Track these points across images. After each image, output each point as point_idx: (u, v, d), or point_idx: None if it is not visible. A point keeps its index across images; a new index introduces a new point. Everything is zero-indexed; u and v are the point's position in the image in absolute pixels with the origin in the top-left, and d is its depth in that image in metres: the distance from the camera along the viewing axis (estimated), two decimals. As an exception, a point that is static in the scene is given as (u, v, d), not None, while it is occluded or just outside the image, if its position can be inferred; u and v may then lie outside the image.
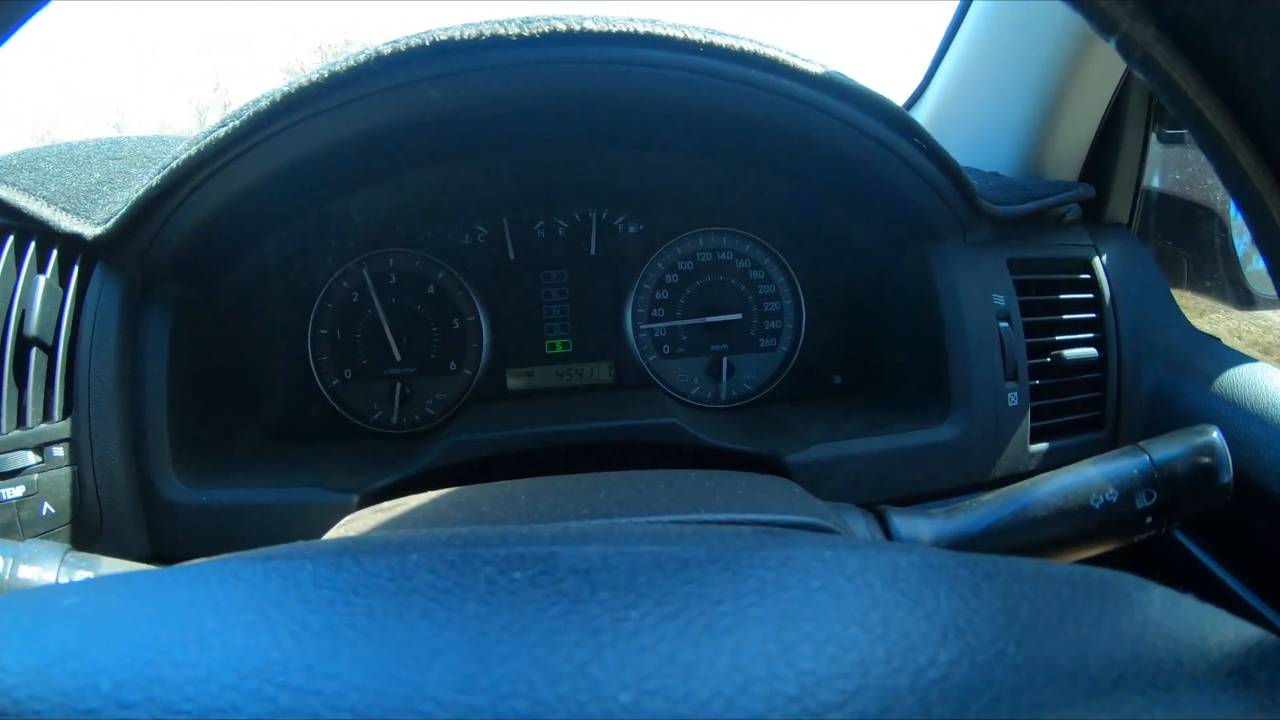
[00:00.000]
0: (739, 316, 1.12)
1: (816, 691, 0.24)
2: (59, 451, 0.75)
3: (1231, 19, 0.28)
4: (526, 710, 0.24)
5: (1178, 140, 1.07)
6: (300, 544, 0.38)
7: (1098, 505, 0.63)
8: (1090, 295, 0.99)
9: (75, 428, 0.76)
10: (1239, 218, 1.03)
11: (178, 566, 0.35)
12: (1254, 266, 1.03)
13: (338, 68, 0.71)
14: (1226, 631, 0.29)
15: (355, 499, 0.80)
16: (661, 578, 0.31)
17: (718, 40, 0.73)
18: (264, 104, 0.73)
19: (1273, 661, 0.27)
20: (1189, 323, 0.99)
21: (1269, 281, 1.02)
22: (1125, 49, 0.31)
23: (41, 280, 0.76)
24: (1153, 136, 1.06)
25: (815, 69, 0.77)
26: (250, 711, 0.24)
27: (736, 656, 0.26)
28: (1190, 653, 0.27)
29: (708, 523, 0.56)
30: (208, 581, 0.32)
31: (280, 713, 0.24)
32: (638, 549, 0.33)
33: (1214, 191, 1.07)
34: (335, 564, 0.32)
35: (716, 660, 0.26)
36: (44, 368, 0.75)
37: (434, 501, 0.62)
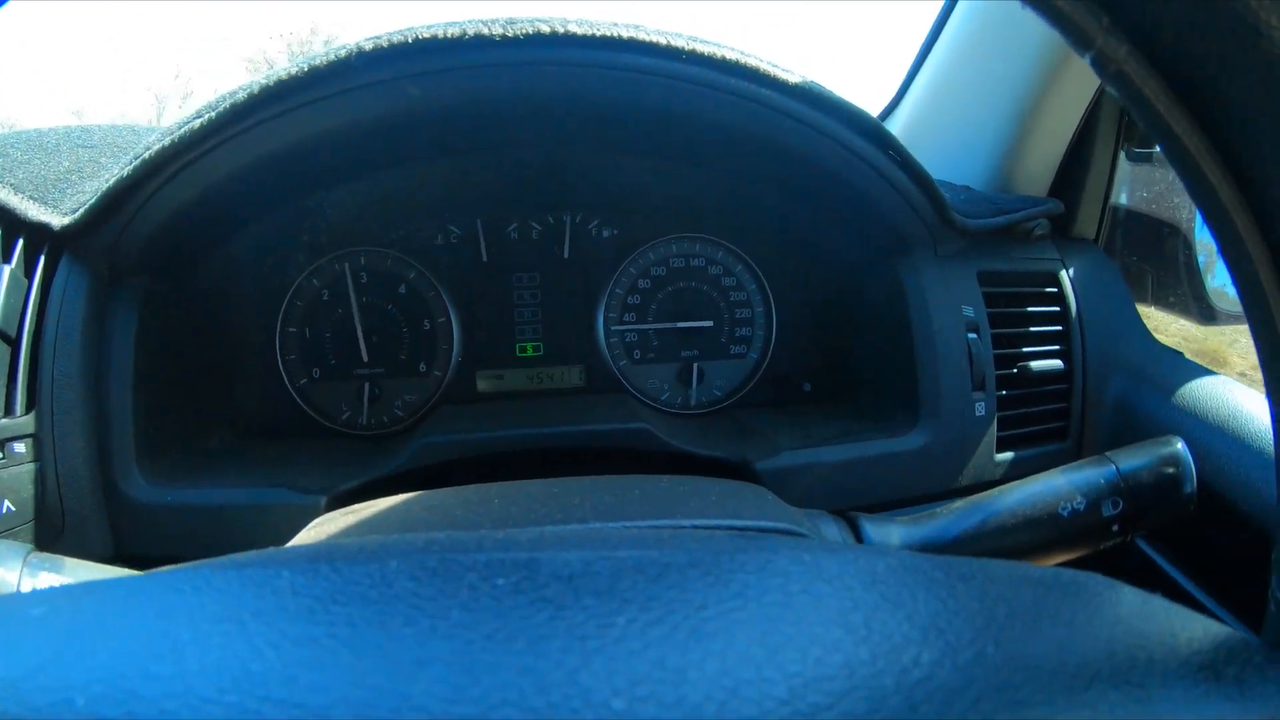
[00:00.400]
0: (710, 324, 1.13)
1: (805, 693, 0.25)
2: (20, 448, 0.73)
3: (1203, 38, 0.29)
4: (518, 718, 0.23)
5: (1146, 159, 1.09)
6: (273, 550, 0.37)
7: (1065, 513, 0.64)
8: (1057, 308, 1.01)
9: (38, 423, 0.74)
10: (1203, 235, 1.05)
11: (148, 574, 0.34)
12: (1214, 283, 1.06)
13: (318, 62, 0.70)
14: (1195, 629, 0.29)
15: (323, 501, 0.78)
16: (644, 583, 0.31)
17: (700, 48, 0.74)
18: (241, 96, 0.72)
19: (1240, 657, 0.28)
20: (1152, 336, 1.02)
21: (1229, 297, 1.05)
22: (1099, 64, 0.31)
23: (6, 270, 0.74)
24: (1121, 154, 1.08)
25: (794, 79, 0.78)
26: None
27: (725, 660, 0.26)
28: (1161, 650, 0.28)
29: (682, 528, 0.56)
30: (180, 590, 0.31)
31: None
32: (618, 554, 0.33)
33: (1179, 210, 1.09)
34: (312, 570, 0.32)
35: (705, 664, 0.26)
36: (6, 361, 0.73)
37: (406, 505, 0.61)
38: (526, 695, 0.24)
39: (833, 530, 0.64)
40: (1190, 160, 0.31)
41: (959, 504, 0.68)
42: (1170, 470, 0.64)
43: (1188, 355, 0.97)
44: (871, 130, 0.83)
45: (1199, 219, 1.06)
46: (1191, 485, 0.64)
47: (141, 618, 0.29)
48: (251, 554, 0.36)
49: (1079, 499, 0.65)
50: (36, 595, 0.33)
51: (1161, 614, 0.30)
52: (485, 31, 0.70)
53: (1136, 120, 0.32)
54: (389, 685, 0.25)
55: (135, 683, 0.25)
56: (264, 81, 0.72)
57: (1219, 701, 0.26)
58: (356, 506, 0.64)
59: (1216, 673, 0.27)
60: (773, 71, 0.77)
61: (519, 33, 0.70)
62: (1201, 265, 1.06)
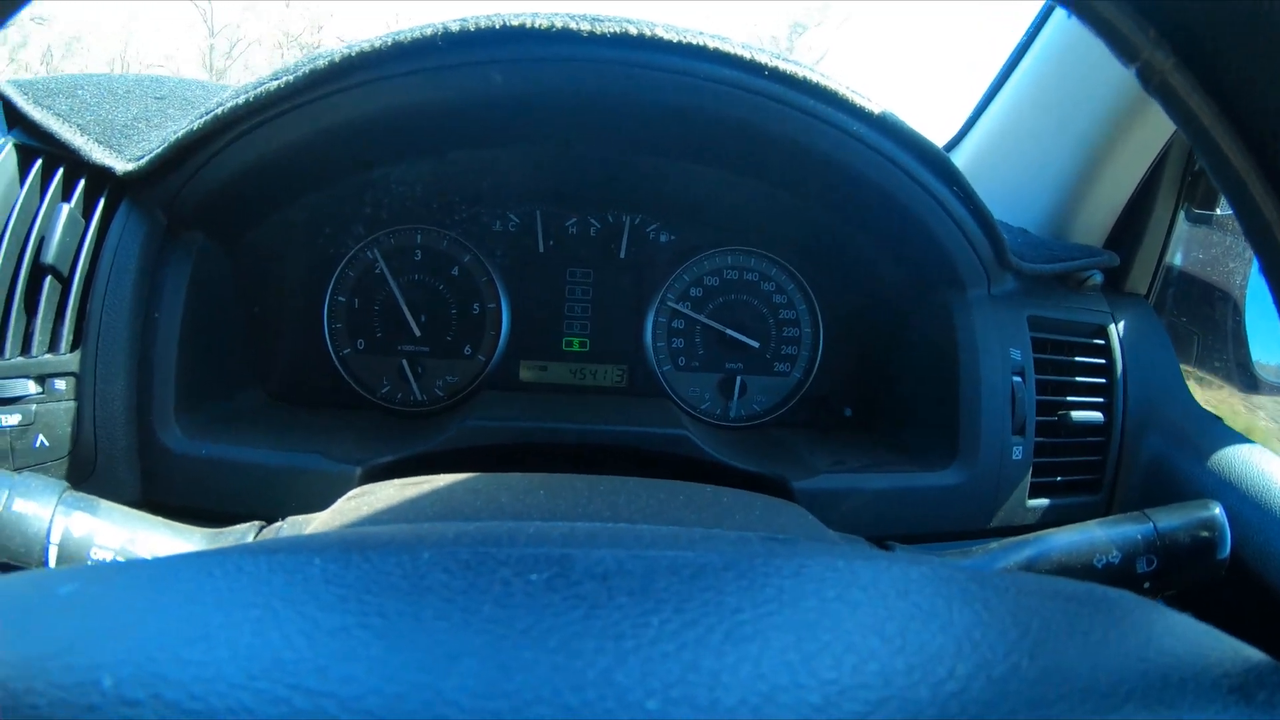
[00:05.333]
0: (757, 345, 1.12)
1: (841, 701, 0.25)
2: (61, 385, 0.73)
3: (1248, 53, 0.29)
4: (551, 716, 0.23)
5: (1205, 220, 1.08)
6: (304, 536, 0.37)
7: (1100, 565, 0.65)
8: (1103, 361, 1.00)
9: (81, 363, 0.74)
10: (1254, 302, 1.05)
11: (178, 556, 0.34)
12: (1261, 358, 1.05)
13: (403, 38, 0.71)
14: (1225, 650, 0.30)
15: (357, 472, 0.79)
16: (678, 584, 0.31)
17: (783, 66, 0.74)
18: (321, 63, 0.72)
19: (1270, 681, 0.28)
20: (1194, 399, 1.01)
21: (1272, 370, 1.04)
22: (1145, 76, 0.31)
23: (65, 209, 0.74)
24: (1181, 213, 1.08)
25: (872, 106, 0.77)
26: (262, 713, 0.23)
27: (760, 665, 0.26)
28: (1192, 670, 0.28)
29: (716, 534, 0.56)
30: (211, 574, 0.31)
31: (294, 715, 0.23)
32: (651, 553, 0.33)
33: (1233, 275, 1.09)
34: (344, 559, 0.32)
35: (740, 668, 0.26)
36: (56, 298, 0.74)
37: (451, 487, 0.61)
38: (560, 693, 0.24)
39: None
40: (1233, 173, 0.31)
41: (996, 544, 0.67)
42: (1206, 534, 0.65)
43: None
44: (940, 165, 0.83)
45: (1251, 285, 1.06)
46: (1226, 550, 0.64)
47: (171, 600, 0.29)
48: (282, 539, 0.36)
49: (1115, 553, 0.65)
50: (65, 573, 0.32)
51: (1192, 634, 0.31)
52: (573, 26, 0.70)
53: (1182, 133, 0.32)
54: (421, 679, 0.25)
55: (164, 665, 0.25)
56: (346, 50, 0.72)
57: None
58: (397, 482, 0.64)
59: (1247, 695, 0.27)
60: (852, 97, 0.77)
61: (606, 31, 0.70)
62: (1250, 335, 1.05)
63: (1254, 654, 0.30)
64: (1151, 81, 0.31)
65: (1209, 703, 0.27)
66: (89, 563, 0.53)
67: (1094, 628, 0.30)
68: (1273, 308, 0.33)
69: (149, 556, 0.54)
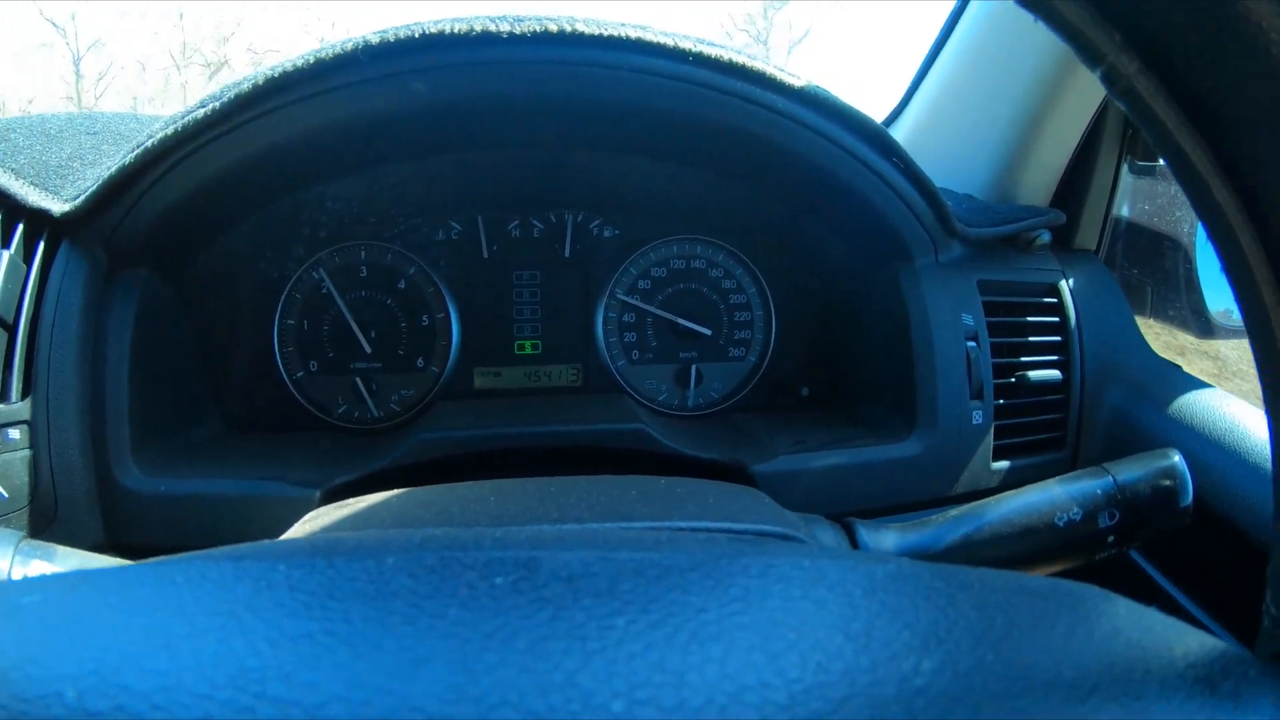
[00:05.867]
0: (709, 333, 1.13)
1: (806, 700, 0.25)
2: (15, 434, 0.73)
3: (1213, 56, 0.29)
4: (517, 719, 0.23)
5: (1149, 172, 1.09)
6: (269, 543, 0.37)
7: (1061, 523, 0.64)
8: (1056, 319, 1.01)
9: (34, 410, 0.74)
10: (1204, 250, 1.06)
11: (141, 564, 0.33)
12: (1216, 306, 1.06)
13: (324, 55, 0.70)
14: (1190, 642, 0.30)
15: (317, 494, 0.78)
16: (644, 585, 0.31)
17: (706, 50, 0.74)
18: (245, 87, 0.72)
19: (1235, 671, 0.28)
20: (1150, 349, 1.02)
21: (1230, 315, 1.05)
22: (1110, 80, 0.31)
23: (4, 256, 0.73)
24: (1124, 167, 1.08)
25: (798, 83, 0.77)
26: None
27: (725, 665, 0.26)
28: (1158, 662, 0.28)
29: (680, 530, 0.56)
30: (174, 581, 0.31)
31: None
32: (618, 555, 0.33)
33: (1181, 223, 1.10)
34: (309, 565, 0.32)
35: (706, 669, 0.26)
36: (3, 347, 0.73)
37: (400, 500, 0.61)
38: (526, 696, 0.24)
39: (828, 535, 0.64)
40: (1197, 178, 0.31)
41: (955, 511, 0.68)
42: (1167, 483, 0.64)
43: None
44: (875, 136, 0.83)
45: (1200, 233, 1.06)
46: (1188, 498, 0.64)
47: (134, 609, 0.29)
48: (245, 546, 0.36)
49: (1075, 509, 0.65)
50: (27, 583, 0.32)
51: (1158, 627, 0.31)
52: (493, 28, 0.69)
53: (1146, 136, 0.32)
54: (386, 684, 0.25)
55: (127, 676, 0.25)
56: (269, 73, 0.72)
57: (1215, 714, 0.26)
58: (350, 501, 0.63)
59: (1212, 685, 0.27)
60: (777, 75, 0.77)
61: (526, 30, 0.70)
62: (1203, 280, 1.06)
63: (1218, 645, 0.30)
64: (1117, 85, 0.31)
65: (1175, 692, 0.27)
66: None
67: (1059, 621, 0.30)
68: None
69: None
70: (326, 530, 0.58)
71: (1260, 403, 0.33)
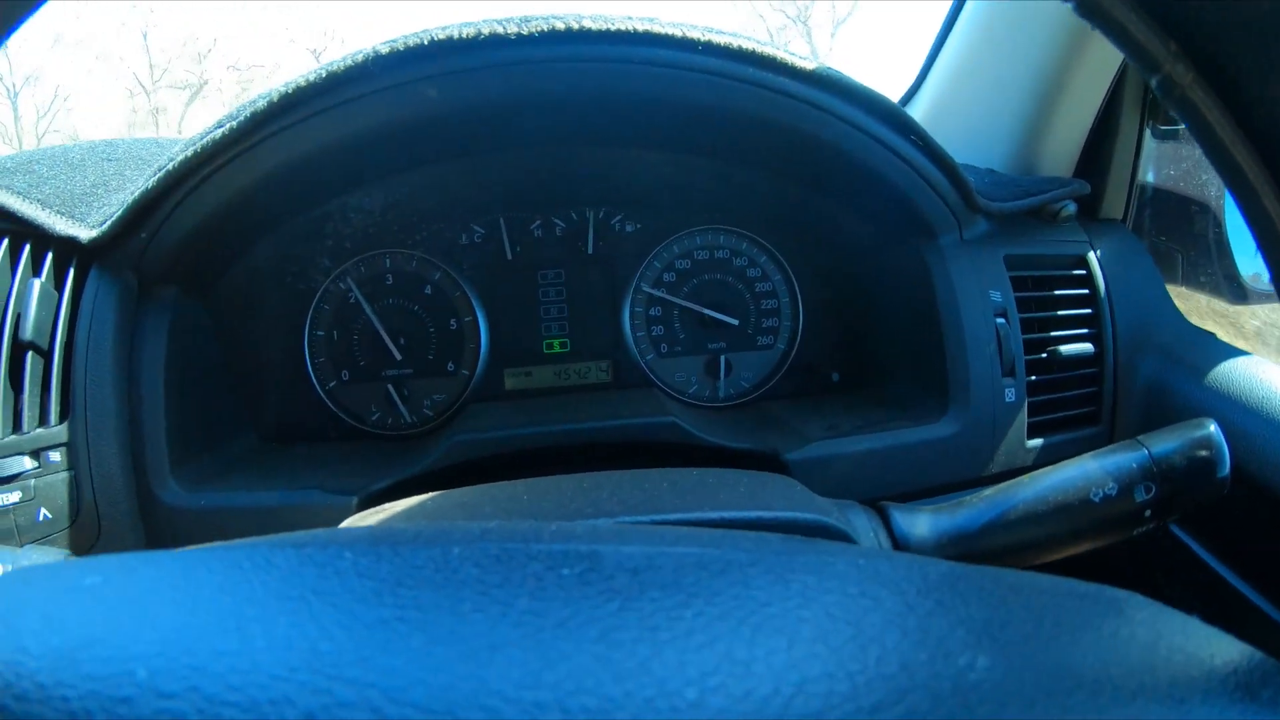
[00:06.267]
0: (736, 322, 1.12)
1: (869, 690, 0.25)
2: (56, 456, 0.74)
3: (1266, 68, 0.29)
4: (595, 706, 0.24)
5: (1172, 136, 1.07)
6: (329, 531, 0.37)
7: (1097, 499, 0.63)
8: (1086, 291, 0.99)
9: (72, 432, 0.75)
10: (1233, 212, 1.03)
11: (203, 547, 0.33)
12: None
13: (335, 68, 0.71)
14: (1231, 652, 0.30)
15: (355, 501, 0.79)
16: (708, 578, 0.31)
17: (715, 39, 0.74)
18: (261, 105, 0.73)
19: (1275, 680, 0.28)
20: (1184, 317, 1.00)
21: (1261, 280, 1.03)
22: (1165, 89, 0.31)
23: (36, 284, 0.75)
24: (1147, 132, 1.07)
25: (810, 65, 0.77)
26: (305, 704, 0.23)
27: (790, 655, 0.26)
28: (1200, 668, 0.28)
29: (714, 521, 0.56)
30: (240, 566, 0.31)
31: (338, 706, 0.23)
32: (679, 549, 0.33)
33: (1208, 186, 1.08)
34: (374, 553, 0.32)
35: (772, 659, 0.26)
36: (40, 372, 0.75)
37: (437, 502, 0.62)
38: (603, 683, 0.25)
39: (862, 520, 0.64)
40: (1249, 186, 0.31)
41: (988, 492, 0.67)
42: (1204, 453, 0.63)
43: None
44: (891, 114, 0.82)
45: (1229, 197, 1.04)
46: (1225, 468, 0.63)
47: (199, 592, 0.29)
48: (303, 534, 0.36)
49: (1111, 484, 0.64)
50: (89, 564, 0.31)
51: (1199, 635, 0.31)
52: (501, 30, 0.70)
53: (1199, 145, 0.32)
54: (465, 669, 0.25)
55: (199, 657, 0.25)
56: (283, 89, 0.72)
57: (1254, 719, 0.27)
58: (388, 505, 0.64)
59: (1253, 693, 0.28)
60: (788, 59, 0.76)
61: (534, 30, 0.70)
62: (1234, 243, 1.04)
63: (1259, 655, 0.30)
64: (1172, 94, 0.31)
65: (1215, 699, 0.27)
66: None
67: (1104, 625, 0.30)
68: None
69: None
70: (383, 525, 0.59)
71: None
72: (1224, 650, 0.30)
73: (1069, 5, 0.32)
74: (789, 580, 0.31)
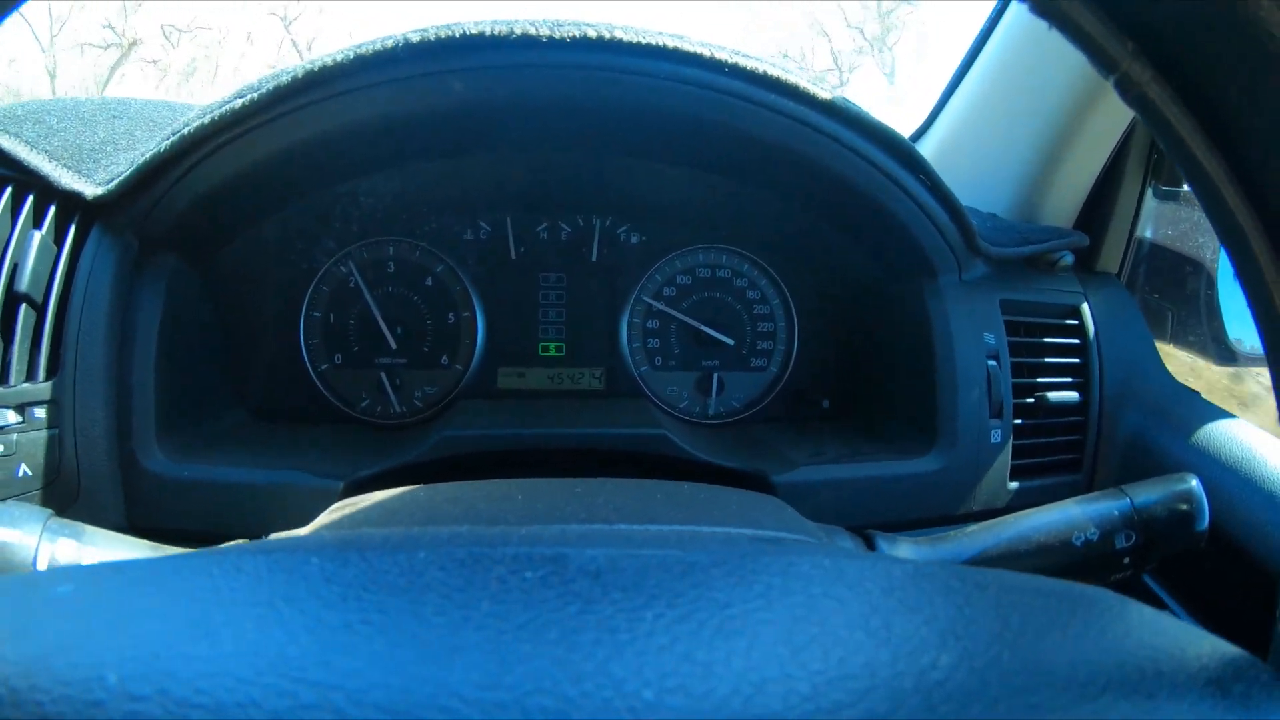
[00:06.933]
0: (732, 342, 1.13)
1: (829, 690, 0.25)
2: (40, 413, 0.73)
3: (1225, 65, 0.29)
4: (553, 707, 0.24)
5: (1173, 196, 1.09)
6: (296, 536, 0.38)
7: (1079, 543, 0.65)
8: (1077, 341, 1.01)
9: (59, 390, 0.74)
10: (1226, 276, 1.06)
11: (173, 555, 0.34)
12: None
13: (364, 50, 0.71)
14: (1203, 646, 0.30)
15: (339, 486, 0.79)
16: (669, 580, 0.31)
17: (742, 62, 0.74)
18: (284, 79, 0.72)
19: (1246, 675, 0.29)
20: (1170, 374, 1.02)
21: (1250, 339, 1.05)
22: (1123, 88, 0.32)
23: (36, 236, 0.74)
24: (1149, 191, 1.09)
25: (828, 96, 0.78)
26: (270, 706, 0.24)
27: (750, 657, 0.27)
28: (1170, 664, 0.29)
29: (703, 534, 0.56)
30: (209, 573, 0.31)
31: (301, 708, 0.24)
32: (643, 552, 0.34)
33: (1203, 249, 1.10)
34: (341, 558, 0.32)
35: (732, 660, 0.27)
36: (31, 326, 0.74)
37: (427, 495, 0.62)
38: (561, 684, 0.25)
39: (849, 546, 0.65)
40: (1209, 182, 0.32)
41: (973, 528, 0.68)
42: (1184, 507, 0.65)
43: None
44: (903, 152, 0.83)
45: (1222, 259, 1.06)
46: (1204, 522, 0.64)
47: (168, 600, 0.30)
48: (274, 540, 0.36)
49: (1093, 530, 0.65)
50: (60, 573, 0.33)
51: (1170, 630, 0.31)
52: (532, 32, 0.70)
53: (1158, 143, 0.33)
54: (426, 671, 0.25)
55: (168, 662, 0.25)
56: (308, 66, 0.72)
57: (1225, 715, 0.27)
58: (374, 494, 0.64)
59: (1224, 688, 0.28)
60: (809, 88, 0.77)
61: (565, 35, 0.71)
62: (1224, 308, 1.06)
63: (1230, 650, 0.30)
64: (1130, 93, 0.32)
65: (1186, 692, 0.27)
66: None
67: (1074, 622, 0.31)
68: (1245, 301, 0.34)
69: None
70: (354, 524, 0.59)
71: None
72: (1195, 645, 0.30)
73: (1026, 6, 0.32)
74: (752, 582, 0.32)
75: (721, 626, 0.28)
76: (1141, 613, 0.32)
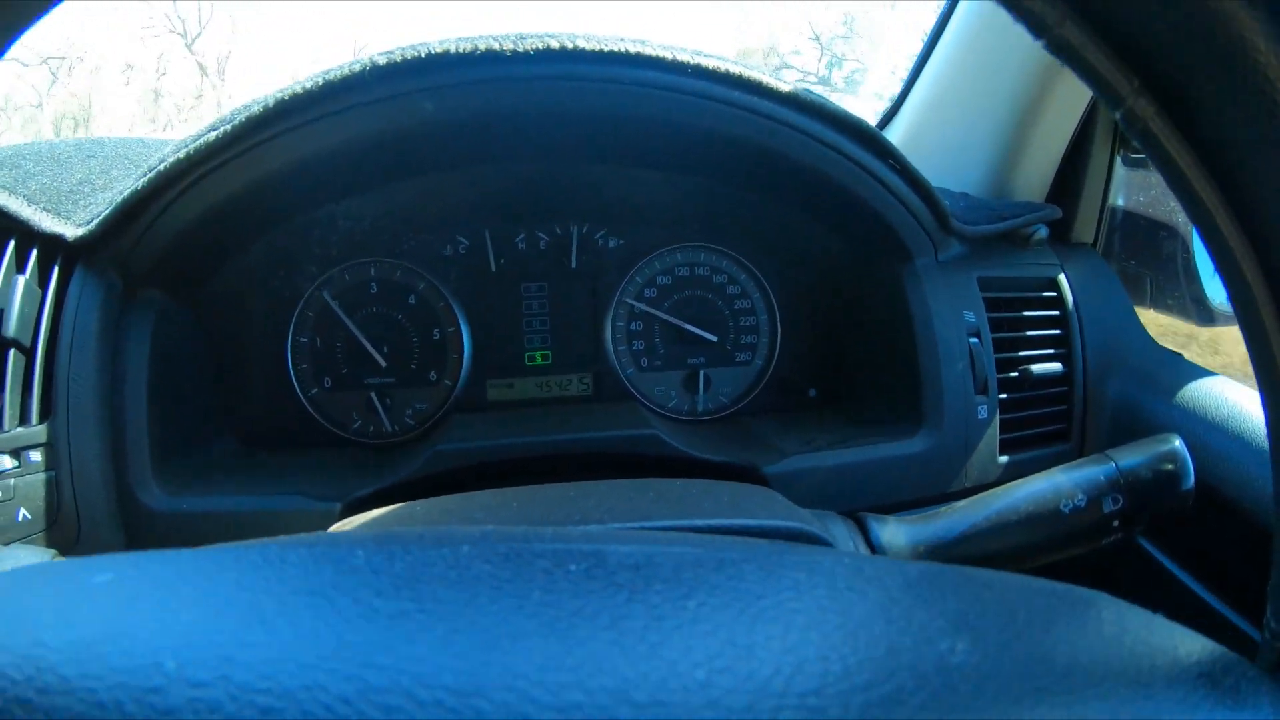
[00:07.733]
0: (715, 339, 1.14)
1: (860, 670, 0.27)
2: (36, 456, 0.74)
3: (1224, 104, 0.30)
4: (614, 685, 0.25)
5: (1142, 164, 1.11)
6: (336, 533, 0.38)
7: (1067, 510, 0.66)
8: (1056, 312, 1.02)
9: (53, 432, 0.75)
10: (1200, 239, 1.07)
11: (211, 548, 0.34)
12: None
13: (332, 76, 0.72)
14: (1193, 645, 0.32)
15: (338, 507, 0.79)
16: (706, 573, 0.32)
17: (703, 62, 0.76)
18: (255, 109, 0.73)
19: (1236, 671, 0.30)
20: (1151, 338, 1.03)
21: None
22: (1128, 122, 0.33)
23: (20, 280, 0.75)
24: (1118, 160, 1.10)
25: (788, 89, 0.79)
26: (337, 690, 0.24)
27: (786, 640, 0.28)
28: (1163, 660, 0.30)
29: (700, 528, 0.57)
30: (255, 563, 0.31)
31: (371, 690, 0.24)
32: (675, 549, 0.35)
33: (1176, 213, 1.11)
34: (385, 552, 0.32)
35: (771, 644, 0.28)
36: (21, 370, 0.74)
37: (427, 508, 0.62)
38: (618, 665, 0.26)
39: (841, 530, 0.66)
40: (1210, 219, 0.33)
41: (962, 504, 0.69)
42: (1169, 466, 0.66)
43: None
44: (869, 138, 0.84)
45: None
46: (1189, 481, 0.65)
47: (215, 589, 0.29)
48: (315, 535, 0.36)
49: (1080, 496, 0.66)
50: (96, 562, 0.32)
51: (1163, 630, 0.33)
52: (497, 47, 0.71)
53: (1163, 177, 0.34)
54: (489, 656, 0.26)
55: (227, 648, 0.25)
56: (279, 95, 0.73)
57: (1214, 706, 0.29)
58: (375, 512, 0.65)
59: (1214, 682, 0.30)
60: (772, 83, 0.78)
61: (529, 48, 0.72)
62: (1202, 268, 1.07)
63: (1220, 649, 0.32)
64: (1134, 127, 0.32)
65: (1178, 687, 0.29)
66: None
67: (1072, 618, 0.32)
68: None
69: None
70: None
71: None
72: (1186, 644, 0.31)
73: (1040, 41, 0.33)
74: (780, 576, 0.33)
75: (759, 614, 0.30)
76: (1136, 614, 0.33)
